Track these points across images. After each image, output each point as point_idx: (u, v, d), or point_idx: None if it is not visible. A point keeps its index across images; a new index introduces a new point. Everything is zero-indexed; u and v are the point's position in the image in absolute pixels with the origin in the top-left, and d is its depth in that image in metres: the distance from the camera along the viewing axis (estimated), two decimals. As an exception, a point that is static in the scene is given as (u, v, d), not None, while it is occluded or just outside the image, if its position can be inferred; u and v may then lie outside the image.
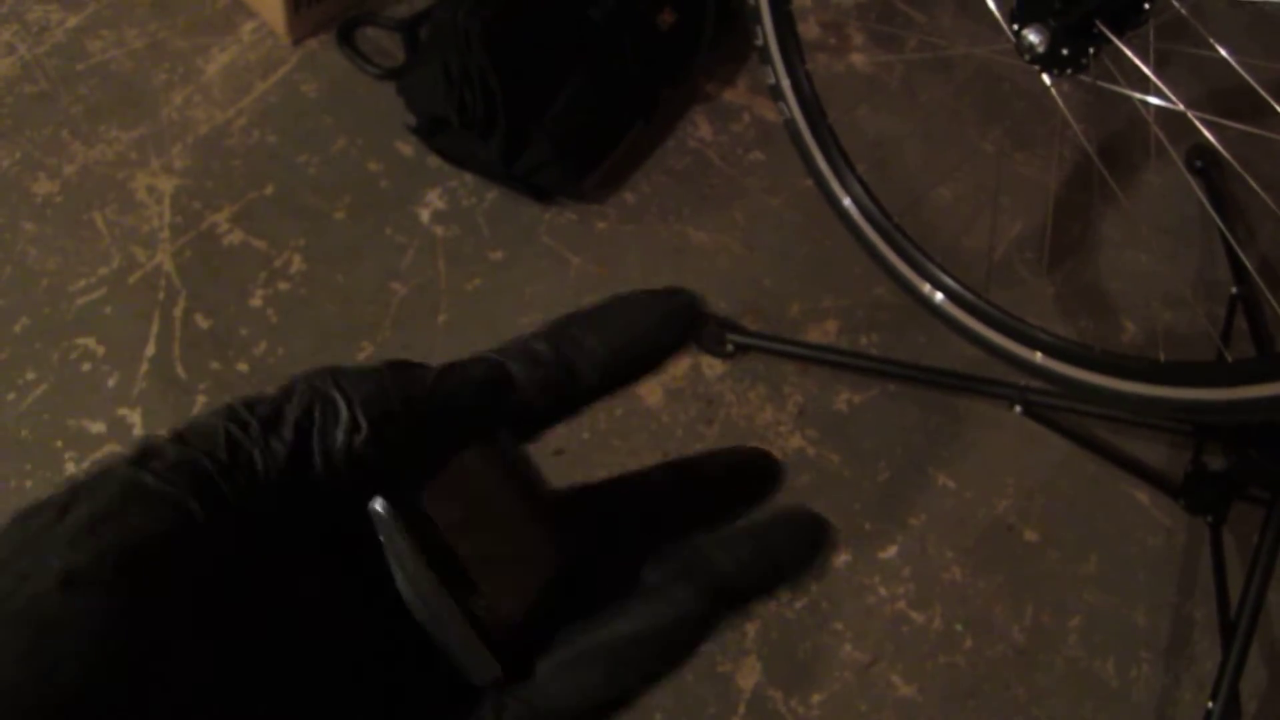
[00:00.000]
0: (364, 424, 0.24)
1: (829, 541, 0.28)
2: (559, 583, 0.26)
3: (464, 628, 0.25)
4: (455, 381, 0.26)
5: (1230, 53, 0.87)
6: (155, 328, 1.18)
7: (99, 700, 0.21)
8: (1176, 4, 0.86)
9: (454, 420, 0.26)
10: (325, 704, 0.25)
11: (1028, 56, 0.89)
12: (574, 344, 0.27)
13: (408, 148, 1.32)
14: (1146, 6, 0.85)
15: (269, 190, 1.28)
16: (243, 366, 1.17)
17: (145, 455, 0.24)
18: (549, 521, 0.27)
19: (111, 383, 1.14)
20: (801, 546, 0.28)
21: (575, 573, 0.27)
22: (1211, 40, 0.88)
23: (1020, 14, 0.88)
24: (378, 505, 0.25)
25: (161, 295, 1.20)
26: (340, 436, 0.24)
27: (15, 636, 0.21)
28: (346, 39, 1.39)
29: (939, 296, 1.09)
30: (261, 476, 0.24)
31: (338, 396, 0.25)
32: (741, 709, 1.06)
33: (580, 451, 1.16)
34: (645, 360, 0.29)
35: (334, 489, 0.25)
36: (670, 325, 0.29)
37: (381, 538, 0.25)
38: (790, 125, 1.13)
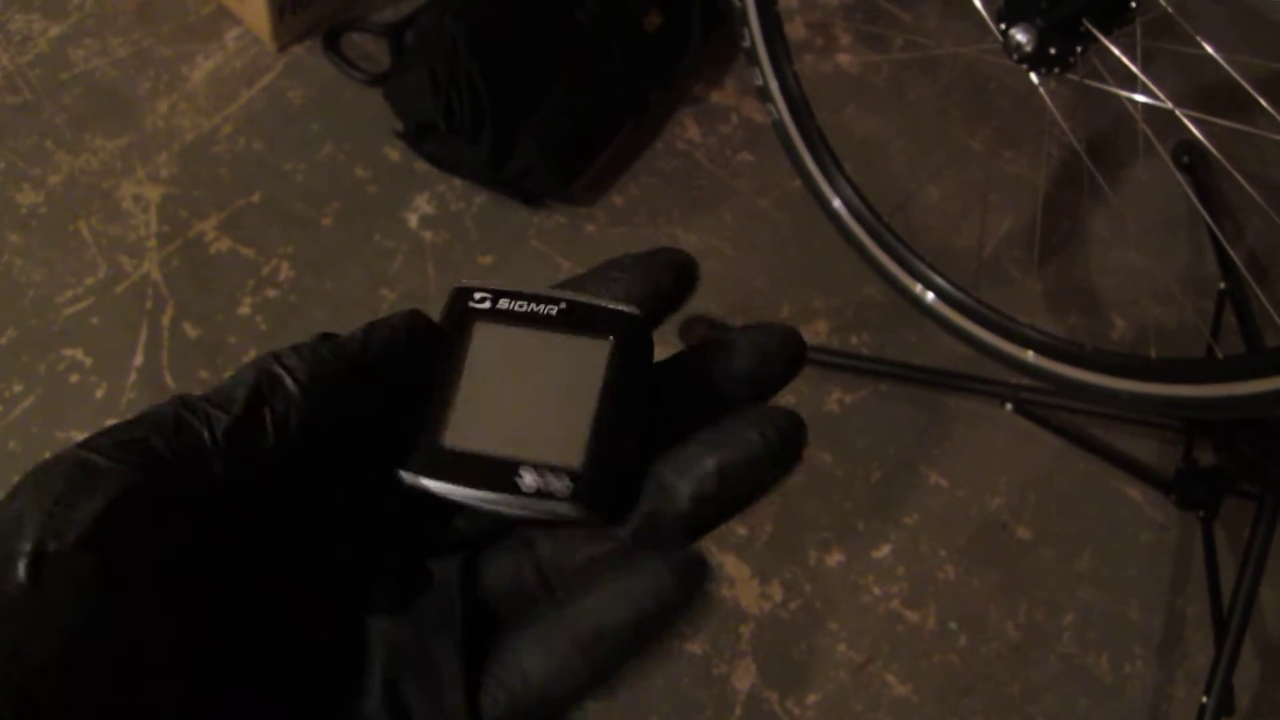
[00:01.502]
0: (309, 386, 0.26)
1: (801, 445, 0.28)
2: (521, 464, 0.28)
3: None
4: (385, 332, 0.28)
5: (1217, 49, 0.87)
6: (143, 337, 1.17)
7: (78, 693, 0.22)
8: (1163, 2, 0.86)
9: (387, 368, 0.28)
10: (281, 675, 0.26)
11: (1015, 56, 0.89)
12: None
13: (395, 153, 1.32)
14: (1133, 4, 0.85)
15: (256, 198, 1.27)
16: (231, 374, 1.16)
17: (89, 439, 0.25)
18: (587, 424, 0.28)
19: (99, 393, 1.14)
20: (770, 449, 0.28)
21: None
22: (1198, 37, 0.88)
23: (1007, 13, 0.88)
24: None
25: (149, 304, 1.19)
26: (288, 400, 0.26)
27: None
28: (332, 45, 1.38)
29: (929, 295, 1.09)
30: (209, 448, 0.25)
31: (279, 369, 0.26)
32: (738, 710, 1.06)
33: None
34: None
35: (293, 453, 0.26)
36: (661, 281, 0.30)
37: None
38: (778, 126, 1.13)
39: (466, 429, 0.29)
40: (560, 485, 0.28)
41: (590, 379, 0.29)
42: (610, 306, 0.29)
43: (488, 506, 0.28)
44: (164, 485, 0.24)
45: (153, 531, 0.24)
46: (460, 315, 0.29)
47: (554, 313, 0.29)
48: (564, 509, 0.28)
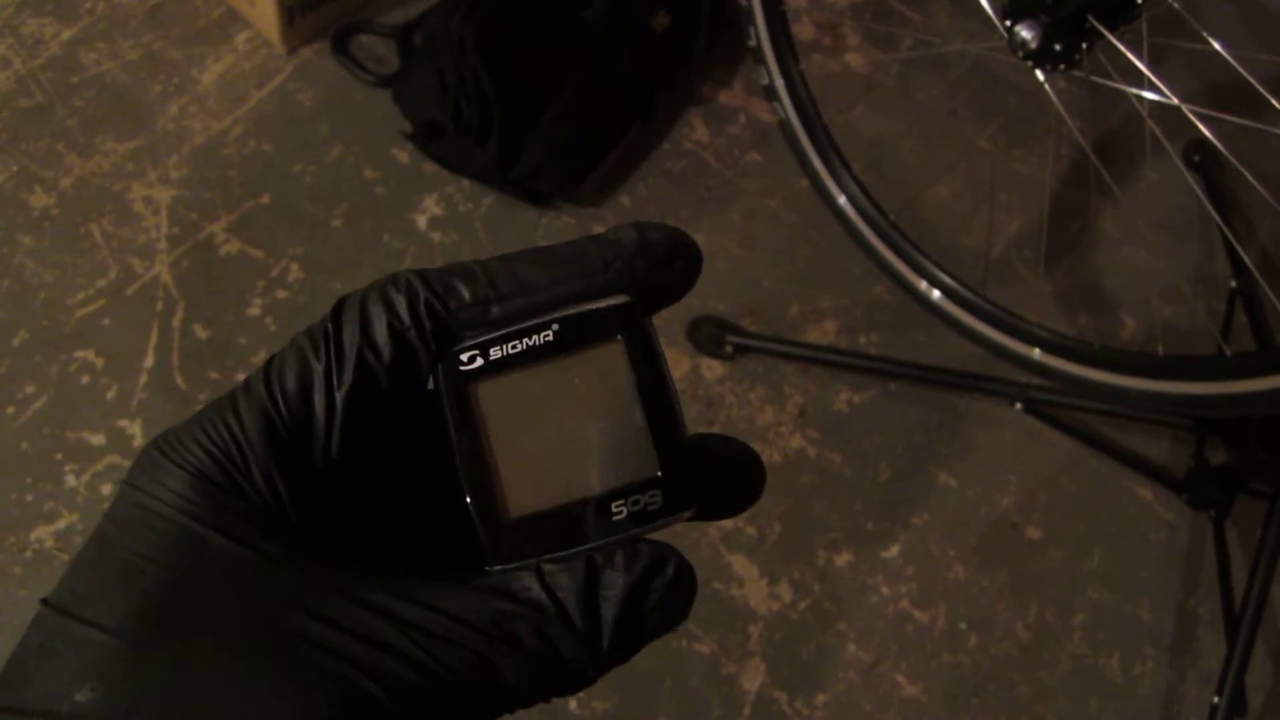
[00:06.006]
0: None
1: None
2: (606, 498, 0.27)
3: (469, 505, 0.27)
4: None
5: (1224, 46, 0.87)
6: (154, 338, 1.18)
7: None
8: (1169, -2, 0.86)
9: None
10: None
11: (1020, 53, 0.88)
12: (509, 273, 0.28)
13: (404, 154, 1.32)
14: (1138, 0, 0.84)
15: (266, 199, 1.28)
16: (241, 375, 1.16)
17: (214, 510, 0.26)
18: (645, 436, 0.27)
19: (111, 394, 1.14)
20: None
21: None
22: (1205, 34, 0.88)
23: (1012, 10, 0.88)
24: (432, 384, 0.28)
25: (159, 306, 1.20)
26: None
27: None
28: (341, 47, 1.39)
29: (936, 294, 1.09)
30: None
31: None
32: (746, 710, 1.06)
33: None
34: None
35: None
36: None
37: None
38: (785, 126, 1.13)
39: (526, 491, 0.27)
40: (651, 499, 0.27)
41: (620, 384, 0.27)
42: (602, 307, 0.28)
43: (586, 552, 0.27)
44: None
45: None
46: (457, 385, 0.27)
47: (550, 338, 0.27)
48: (662, 521, 0.27)
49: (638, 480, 0.27)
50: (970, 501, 1.18)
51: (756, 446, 1.26)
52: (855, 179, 1.11)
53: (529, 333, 0.27)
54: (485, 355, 0.27)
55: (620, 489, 0.27)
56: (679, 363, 1.22)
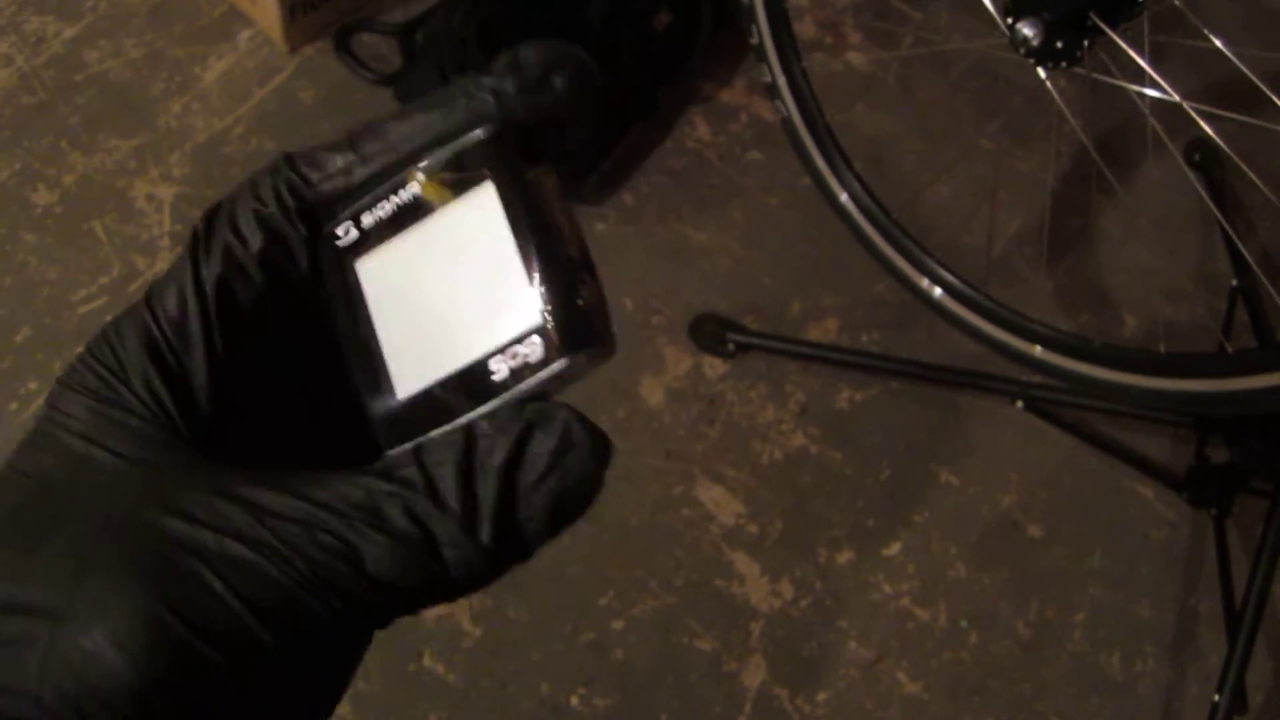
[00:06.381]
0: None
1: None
2: (485, 358, 0.25)
3: (356, 390, 0.26)
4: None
5: (1226, 44, 0.87)
6: (156, 336, 1.18)
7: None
8: (1171, -4, 0.86)
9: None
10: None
11: (1022, 50, 0.88)
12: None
13: (406, 152, 1.33)
14: (1140, -2, 0.84)
15: (268, 197, 1.28)
16: (244, 373, 1.17)
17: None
18: (528, 286, 0.25)
19: (113, 391, 1.14)
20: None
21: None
22: (1207, 32, 0.88)
23: (1014, 8, 0.88)
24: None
25: (162, 303, 1.20)
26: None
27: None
28: (343, 45, 1.39)
29: (938, 292, 1.09)
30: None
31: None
32: (748, 708, 1.06)
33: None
34: None
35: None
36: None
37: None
38: (787, 124, 1.13)
39: (411, 367, 0.26)
40: (530, 349, 0.24)
41: (493, 228, 0.25)
42: (465, 145, 0.26)
43: (485, 422, 0.25)
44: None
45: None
46: (332, 262, 0.26)
47: (417, 190, 0.25)
48: (553, 369, 0.24)
49: (517, 332, 0.24)
50: (971, 499, 1.18)
51: (758, 445, 1.26)
52: (857, 177, 1.11)
53: (393, 190, 0.26)
54: (358, 225, 0.26)
55: (499, 346, 0.25)
56: (681, 360, 1.22)
